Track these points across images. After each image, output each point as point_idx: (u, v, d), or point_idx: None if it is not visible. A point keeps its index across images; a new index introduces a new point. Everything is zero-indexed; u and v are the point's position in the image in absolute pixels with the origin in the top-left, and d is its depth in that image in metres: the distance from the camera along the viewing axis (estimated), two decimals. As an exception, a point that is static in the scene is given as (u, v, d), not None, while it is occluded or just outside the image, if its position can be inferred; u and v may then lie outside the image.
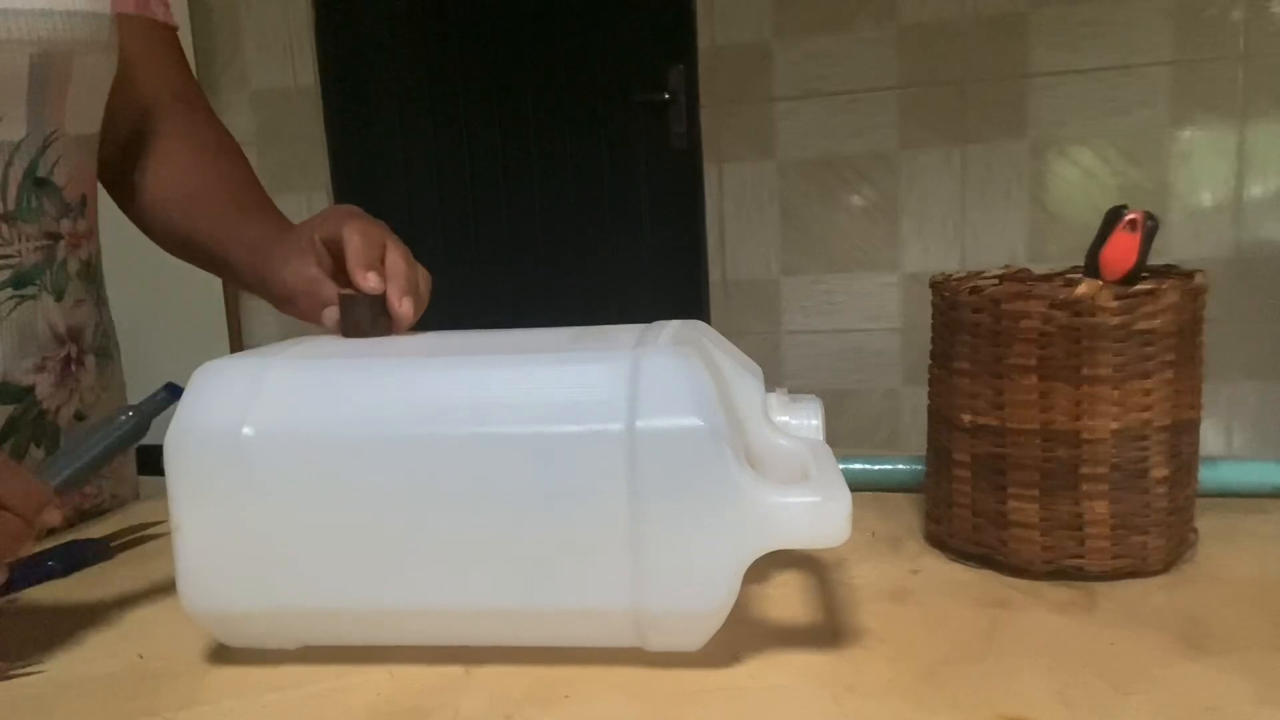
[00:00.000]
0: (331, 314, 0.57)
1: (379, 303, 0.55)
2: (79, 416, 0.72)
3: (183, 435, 0.44)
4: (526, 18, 2.60)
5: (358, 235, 0.58)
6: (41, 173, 0.65)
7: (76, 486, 0.51)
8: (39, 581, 0.58)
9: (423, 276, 0.60)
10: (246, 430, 0.43)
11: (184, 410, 0.44)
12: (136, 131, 0.77)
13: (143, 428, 0.52)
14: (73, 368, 0.71)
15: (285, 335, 0.62)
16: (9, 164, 0.63)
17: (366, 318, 0.53)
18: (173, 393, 0.50)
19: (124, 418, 0.51)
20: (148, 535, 0.65)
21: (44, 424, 0.69)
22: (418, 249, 0.61)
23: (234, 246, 0.69)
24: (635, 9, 2.51)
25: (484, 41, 2.64)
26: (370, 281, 0.55)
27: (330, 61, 2.74)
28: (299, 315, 0.61)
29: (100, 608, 0.54)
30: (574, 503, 0.41)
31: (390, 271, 0.57)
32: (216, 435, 0.43)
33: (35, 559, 0.59)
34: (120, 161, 0.77)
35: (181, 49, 0.81)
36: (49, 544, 0.62)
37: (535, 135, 2.65)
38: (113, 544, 0.63)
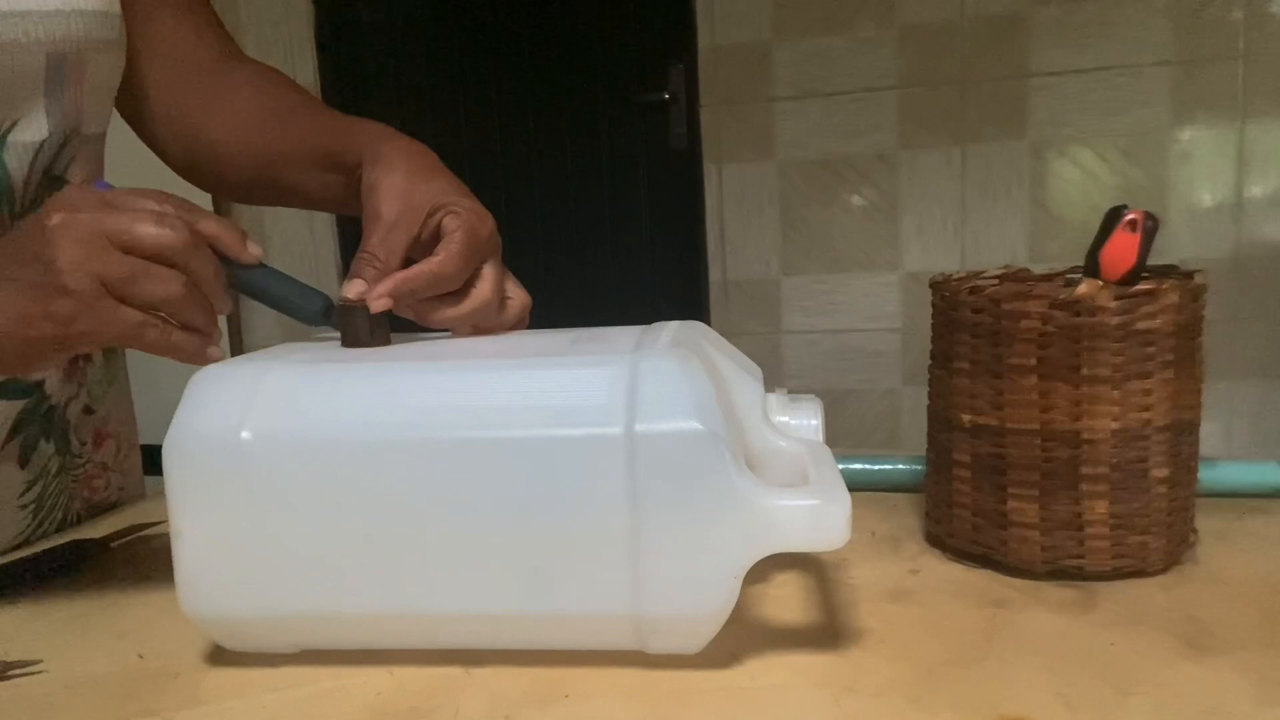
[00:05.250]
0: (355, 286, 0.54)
1: (378, 313, 0.54)
2: (87, 410, 0.72)
3: (181, 440, 0.44)
4: (526, 18, 2.60)
5: (456, 256, 0.54)
6: (56, 171, 0.65)
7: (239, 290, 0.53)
8: (39, 582, 0.58)
9: (515, 304, 0.59)
10: (245, 435, 0.43)
11: (182, 415, 0.44)
12: (193, 84, 0.72)
13: (309, 317, 0.55)
14: (80, 362, 0.71)
15: (285, 338, 0.61)
16: (32, 164, 0.63)
17: (365, 328, 0.53)
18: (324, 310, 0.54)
19: (308, 291, 0.55)
20: (148, 535, 0.65)
21: (53, 418, 0.69)
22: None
23: (327, 153, 0.64)
24: (635, 9, 2.51)
25: (484, 41, 2.64)
26: (350, 291, 0.53)
27: (330, 61, 2.74)
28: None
29: (100, 608, 0.54)
30: (573, 507, 0.41)
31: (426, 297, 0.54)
32: (215, 440, 0.43)
33: (35, 559, 0.60)
34: (177, 114, 0.72)
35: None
36: (48, 544, 0.62)
37: (535, 135, 2.65)
38: (113, 544, 0.63)
